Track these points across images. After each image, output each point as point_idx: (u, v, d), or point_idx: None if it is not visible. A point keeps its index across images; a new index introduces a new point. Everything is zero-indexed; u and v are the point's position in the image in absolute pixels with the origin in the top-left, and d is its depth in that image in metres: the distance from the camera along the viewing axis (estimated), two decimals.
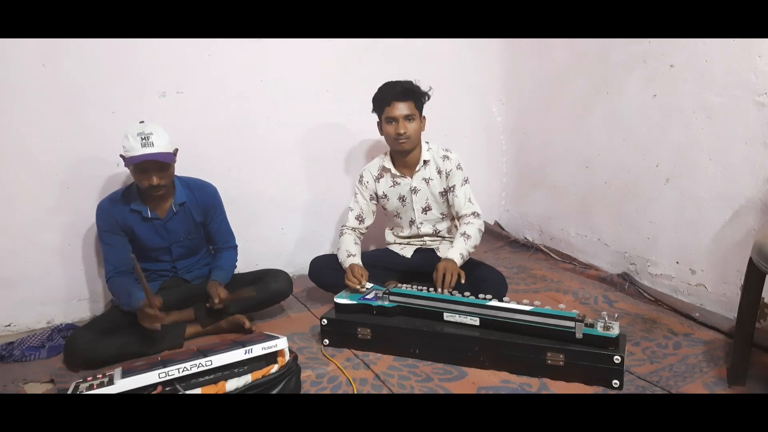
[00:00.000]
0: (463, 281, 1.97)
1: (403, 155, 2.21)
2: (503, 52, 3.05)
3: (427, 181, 2.25)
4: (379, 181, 2.30)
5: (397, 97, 2.10)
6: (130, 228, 2.02)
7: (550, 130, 2.84)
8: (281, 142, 2.63)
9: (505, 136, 3.19)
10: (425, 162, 2.24)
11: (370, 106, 2.22)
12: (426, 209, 2.29)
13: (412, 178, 2.26)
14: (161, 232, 2.06)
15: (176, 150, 1.98)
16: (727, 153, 1.96)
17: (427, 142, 2.27)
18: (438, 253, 2.30)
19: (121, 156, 1.91)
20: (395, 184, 2.28)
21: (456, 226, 2.40)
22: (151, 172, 1.88)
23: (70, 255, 2.27)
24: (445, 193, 2.26)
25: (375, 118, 2.23)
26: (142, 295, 1.89)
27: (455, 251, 2.07)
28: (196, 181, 2.15)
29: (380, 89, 2.16)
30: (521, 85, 3.01)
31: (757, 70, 1.83)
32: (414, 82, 2.16)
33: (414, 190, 2.26)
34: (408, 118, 2.11)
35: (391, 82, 2.15)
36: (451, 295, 1.90)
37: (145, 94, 2.29)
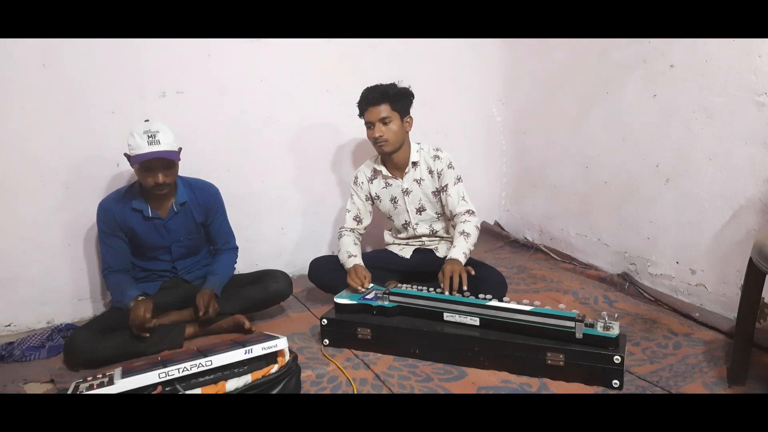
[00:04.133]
0: (473, 273, 1.99)
1: (389, 157, 2.21)
2: (503, 52, 3.05)
3: (418, 182, 2.25)
4: (372, 182, 2.31)
5: (371, 102, 2.10)
6: (130, 227, 2.02)
7: (550, 130, 2.84)
8: (281, 142, 2.63)
9: (505, 136, 3.19)
10: (414, 164, 2.23)
11: None
12: (420, 210, 2.29)
13: (402, 179, 2.26)
14: (162, 231, 2.06)
15: (180, 149, 1.98)
16: (727, 153, 1.96)
17: (418, 143, 2.27)
18: (437, 254, 2.30)
19: (126, 155, 1.91)
20: (387, 185, 2.29)
21: (453, 226, 2.40)
22: (157, 171, 1.88)
23: (70, 255, 2.26)
24: (438, 192, 2.26)
25: None
26: (134, 293, 1.89)
27: (458, 251, 2.06)
28: (198, 181, 2.15)
29: (360, 95, 2.15)
30: (521, 85, 3.01)
31: (757, 70, 1.83)
32: (397, 84, 2.14)
33: (406, 192, 2.26)
34: (384, 120, 2.10)
35: (368, 87, 2.14)
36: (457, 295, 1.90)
37: (145, 94, 2.29)
